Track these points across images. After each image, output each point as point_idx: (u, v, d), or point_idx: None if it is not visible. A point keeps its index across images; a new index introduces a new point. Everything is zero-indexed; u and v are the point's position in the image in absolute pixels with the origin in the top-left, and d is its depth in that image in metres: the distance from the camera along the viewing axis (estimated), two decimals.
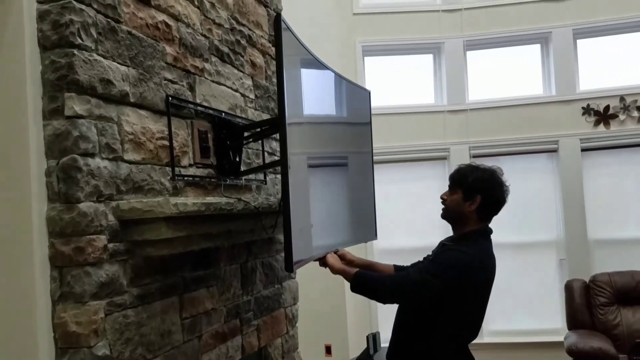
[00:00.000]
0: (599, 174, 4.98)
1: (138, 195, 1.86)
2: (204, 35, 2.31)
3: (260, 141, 2.71)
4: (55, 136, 1.63)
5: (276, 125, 2.14)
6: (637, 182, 4.93)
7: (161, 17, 2.04)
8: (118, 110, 1.81)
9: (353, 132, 2.97)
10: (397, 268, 2.55)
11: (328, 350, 4.76)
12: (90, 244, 1.65)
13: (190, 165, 2.16)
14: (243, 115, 2.57)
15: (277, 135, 2.34)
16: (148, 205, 1.75)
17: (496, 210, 2.31)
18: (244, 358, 2.51)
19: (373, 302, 4.95)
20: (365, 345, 4.25)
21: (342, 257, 2.51)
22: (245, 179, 2.53)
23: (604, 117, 4.90)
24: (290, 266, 1.94)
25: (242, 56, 2.63)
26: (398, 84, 5.20)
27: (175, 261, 2.03)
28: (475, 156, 4.90)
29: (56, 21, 1.63)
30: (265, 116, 2.79)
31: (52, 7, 1.64)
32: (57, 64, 1.63)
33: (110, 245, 1.73)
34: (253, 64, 2.72)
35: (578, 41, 5.00)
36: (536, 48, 5.13)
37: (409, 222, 5.03)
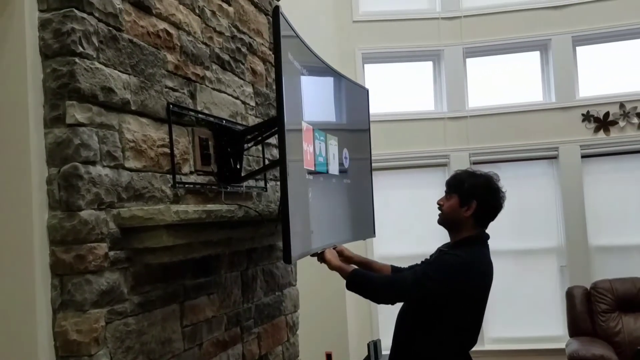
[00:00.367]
0: (599, 180, 4.98)
1: (139, 203, 1.86)
2: (205, 43, 2.32)
3: (260, 148, 2.72)
4: (56, 144, 1.63)
5: (275, 122, 2.13)
6: (637, 188, 4.93)
7: (162, 25, 2.05)
8: (119, 118, 1.81)
9: (352, 133, 2.98)
10: (394, 269, 2.56)
11: (329, 358, 4.74)
12: (91, 252, 1.65)
13: (191, 173, 2.16)
14: (244, 123, 2.58)
15: (277, 142, 2.34)
16: (149, 213, 1.75)
17: (492, 216, 2.31)
18: None
19: (374, 309, 4.96)
20: (366, 353, 4.23)
21: (341, 253, 2.51)
22: (246, 186, 2.53)
23: (603, 123, 4.91)
24: (288, 257, 1.94)
25: (243, 64, 2.64)
26: (398, 91, 5.21)
27: (175, 269, 2.03)
28: (475, 163, 4.91)
29: (58, 29, 1.64)
30: None
31: (54, 16, 1.65)
32: (58, 72, 1.63)
33: (111, 253, 1.73)
34: (254, 72, 2.73)
35: (577, 48, 5.01)
36: (535, 55, 5.14)
37: (409, 229, 5.03)
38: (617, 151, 4.92)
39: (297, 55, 2.18)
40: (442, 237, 2.44)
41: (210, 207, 1.95)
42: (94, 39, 1.71)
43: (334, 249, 2.48)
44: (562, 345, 4.41)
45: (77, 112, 1.64)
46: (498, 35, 5.03)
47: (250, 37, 2.71)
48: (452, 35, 5.08)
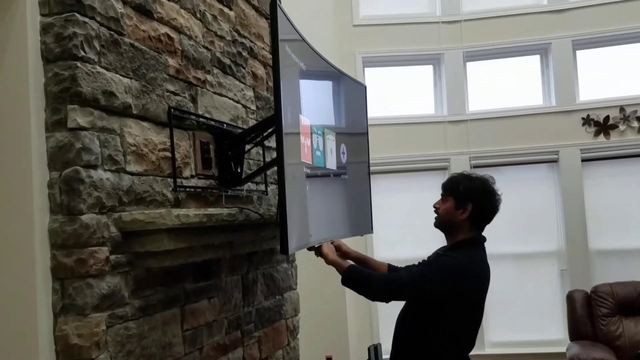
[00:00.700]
0: (600, 184, 4.97)
1: (140, 207, 1.86)
2: (206, 48, 2.32)
3: (261, 152, 2.72)
4: (58, 148, 1.64)
5: (273, 121, 2.13)
6: (637, 192, 4.92)
7: (164, 29, 2.05)
8: (121, 122, 1.81)
9: (350, 129, 2.98)
10: (391, 268, 2.56)
11: None
12: (92, 255, 1.65)
13: (192, 177, 2.16)
14: (244, 126, 2.58)
15: (275, 131, 2.34)
16: (150, 217, 1.75)
17: (488, 219, 2.31)
18: None
19: (375, 313, 4.95)
20: (366, 357, 4.22)
21: (338, 248, 2.50)
22: (246, 190, 2.53)
23: (604, 127, 4.91)
24: (285, 249, 1.94)
25: (244, 68, 2.64)
26: (398, 94, 5.22)
27: (176, 272, 2.03)
28: (475, 166, 4.91)
29: (59, 34, 1.64)
30: None
31: (56, 20, 1.65)
32: (60, 76, 1.64)
33: (112, 257, 1.73)
34: (254, 76, 2.74)
35: (577, 52, 5.02)
36: (536, 59, 5.15)
37: (410, 232, 5.02)
38: (618, 155, 4.92)
39: (295, 49, 2.18)
40: (443, 240, 2.44)
41: (211, 211, 1.95)
42: (96, 43, 1.72)
43: (331, 243, 2.47)
44: (563, 349, 4.40)
45: (78, 116, 1.64)
46: (498, 39, 5.04)
47: (251, 42, 2.72)
48: (453, 39, 5.08)
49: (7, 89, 1.64)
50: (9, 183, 1.63)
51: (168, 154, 2.02)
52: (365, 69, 5.16)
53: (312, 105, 2.44)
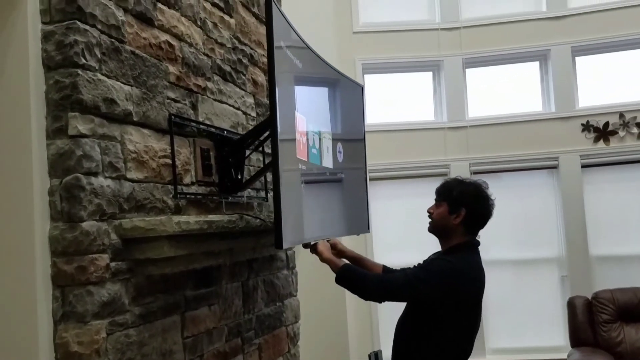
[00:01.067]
0: (600, 190, 4.97)
1: (140, 214, 1.86)
2: (207, 55, 2.33)
3: (261, 158, 2.72)
4: (58, 155, 1.64)
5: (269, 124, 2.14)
6: (638, 198, 4.92)
7: (164, 37, 2.06)
8: (121, 129, 1.82)
9: (346, 129, 2.98)
10: (386, 269, 2.56)
11: None
12: (92, 263, 1.65)
13: (193, 184, 2.16)
14: (245, 133, 2.58)
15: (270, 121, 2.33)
16: (150, 224, 1.75)
17: (482, 224, 2.32)
18: None
19: (375, 320, 4.94)
20: None
21: (334, 247, 2.50)
22: (247, 197, 2.53)
23: (603, 133, 4.92)
24: (279, 243, 1.93)
25: (244, 75, 2.65)
26: (398, 101, 5.23)
27: (177, 279, 2.02)
28: (475, 172, 4.91)
29: (61, 41, 1.65)
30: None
31: (57, 28, 1.66)
32: (61, 83, 1.64)
33: (113, 264, 1.73)
34: (255, 82, 2.74)
35: (577, 58, 5.03)
36: (535, 65, 5.16)
37: (410, 239, 5.02)
38: (617, 161, 4.92)
39: (290, 47, 2.19)
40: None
41: (212, 217, 1.95)
42: (97, 51, 1.72)
43: (327, 241, 2.47)
44: (564, 356, 4.39)
45: (79, 124, 1.65)
46: (497, 45, 5.05)
47: (251, 49, 2.73)
48: (452, 46, 5.10)
49: (9, 96, 1.65)
50: (10, 190, 1.63)
51: (168, 160, 2.03)
52: (365, 75, 5.17)
53: (308, 104, 2.45)
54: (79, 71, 1.65)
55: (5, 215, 1.63)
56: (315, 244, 2.38)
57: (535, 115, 5.05)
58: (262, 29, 2.88)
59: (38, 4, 1.66)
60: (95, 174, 1.69)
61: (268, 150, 2.67)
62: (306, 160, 2.31)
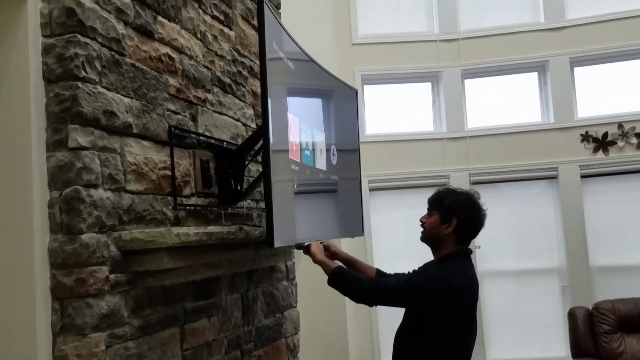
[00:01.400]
0: (600, 200, 4.98)
1: (140, 226, 1.86)
2: (207, 67, 2.34)
3: (261, 168, 2.72)
4: (58, 167, 1.64)
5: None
6: (637, 208, 4.92)
7: (164, 49, 2.07)
8: (121, 141, 1.82)
9: (340, 131, 2.99)
10: (380, 273, 2.56)
11: None
12: (91, 275, 1.65)
13: (192, 195, 2.17)
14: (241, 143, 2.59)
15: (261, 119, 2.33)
16: (150, 236, 1.75)
17: (474, 233, 2.34)
18: None
19: (375, 331, 4.92)
20: None
21: (327, 248, 2.50)
22: (246, 208, 2.53)
23: (602, 143, 4.93)
24: (271, 241, 1.94)
25: (244, 86, 2.66)
26: (397, 111, 5.25)
27: (176, 291, 2.02)
28: (475, 183, 4.91)
29: (61, 54, 1.66)
30: None
31: (57, 41, 1.67)
32: (61, 96, 1.65)
33: (112, 276, 1.73)
34: (254, 94, 2.75)
35: (575, 69, 5.06)
36: (533, 76, 5.18)
37: (410, 249, 5.01)
38: (617, 171, 4.93)
39: (283, 49, 2.20)
40: None
41: (211, 229, 1.95)
42: (97, 64, 1.73)
43: (320, 243, 2.48)
44: None
45: (79, 136, 1.65)
46: (496, 56, 5.08)
47: (251, 60, 2.74)
48: (450, 57, 5.13)
49: (9, 109, 1.66)
50: (10, 202, 1.63)
51: (168, 172, 2.03)
52: (365, 86, 5.19)
53: (301, 107, 2.47)
54: (79, 84, 1.66)
55: (5, 227, 1.63)
56: (309, 245, 2.39)
57: (535, 126, 5.07)
58: None
59: (39, 18, 1.68)
60: (95, 186, 1.69)
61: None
62: (299, 161, 2.32)
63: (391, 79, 5.24)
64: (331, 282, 2.29)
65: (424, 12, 5.30)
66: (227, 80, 2.51)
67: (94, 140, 1.70)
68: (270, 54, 2.03)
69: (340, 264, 2.42)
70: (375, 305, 2.36)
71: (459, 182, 4.90)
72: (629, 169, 4.91)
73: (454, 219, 2.26)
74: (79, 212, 1.63)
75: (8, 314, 1.61)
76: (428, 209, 2.36)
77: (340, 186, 2.89)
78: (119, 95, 1.81)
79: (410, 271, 2.40)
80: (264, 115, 1.98)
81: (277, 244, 1.97)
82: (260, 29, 2.00)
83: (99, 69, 1.74)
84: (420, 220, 2.37)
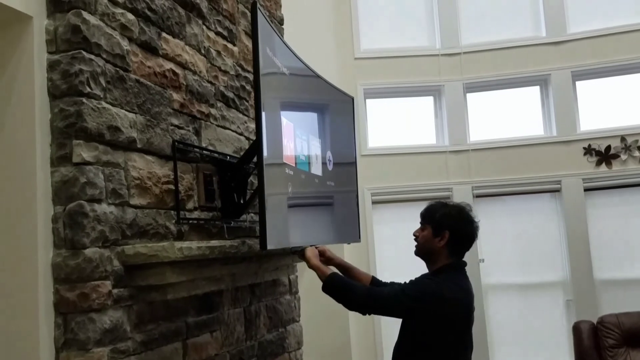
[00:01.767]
0: (603, 213, 4.96)
1: (143, 240, 1.86)
2: (210, 82, 2.36)
3: None
4: (62, 182, 1.65)
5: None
6: None
7: (169, 65, 2.09)
8: (125, 156, 1.83)
9: (336, 137, 3.00)
10: (375, 281, 2.56)
11: None
12: (95, 290, 1.65)
13: (195, 209, 2.17)
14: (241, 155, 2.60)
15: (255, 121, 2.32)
16: (153, 250, 1.75)
17: (467, 246, 2.34)
18: None
19: (379, 342, 4.89)
20: None
21: (322, 254, 2.49)
22: (249, 221, 2.54)
23: (605, 157, 4.93)
24: (264, 243, 1.94)
25: (247, 101, 2.68)
26: (400, 125, 5.26)
27: (179, 306, 2.02)
28: (478, 196, 4.91)
29: (66, 71, 1.68)
30: None
31: (62, 57, 1.69)
32: (66, 112, 1.67)
33: (115, 291, 1.73)
34: None
35: (577, 83, 5.07)
36: (535, 90, 5.20)
37: (412, 261, 5.00)
38: (620, 184, 4.92)
39: (276, 54, 2.22)
40: None
41: (214, 243, 1.95)
42: (102, 80, 1.75)
43: (315, 248, 2.47)
44: None
45: (83, 151, 1.67)
46: (497, 70, 5.10)
47: None
48: (453, 71, 5.15)
49: (14, 124, 1.67)
50: (14, 217, 1.64)
51: (171, 186, 2.04)
52: (367, 100, 5.21)
53: (295, 113, 2.48)
54: (84, 99, 1.68)
55: (10, 241, 1.64)
56: (303, 250, 2.39)
57: (537, 139, 5.07)
58: None
59: (44, 34, 1.70)
60: (99, 201, 1.70)
61: None
62: (294, 166, 2.33)
63: (393, 93, 5.26)
64: (325, 288, 2.29)
65: (425, 26, 5.33)
66: (231, 94, 2.52)
67: (98, 155, 1.72)
68: (264, 59, 2.04)
69: (335, 269, 2.42)
70: (369, 314, 2.36)
71: (462, 195, 4.90)
72: (632, 182, 4.90)
73: (446, 232, 2.27)
74: (83, 226, 1.64)
75: (11, 329, 1.61)
76: (420, 223, 2.38)
77: (336, 192, 2.89)
78: (123, 111, 1.83)
79: (407, 281, 2.41)
80: (257, 114, 1.98)
81: (270, 246, 1.97)
82: (254, 34, 2.01)
83: (104, 85, 1.76)
84: (414, 235, 2.39)
